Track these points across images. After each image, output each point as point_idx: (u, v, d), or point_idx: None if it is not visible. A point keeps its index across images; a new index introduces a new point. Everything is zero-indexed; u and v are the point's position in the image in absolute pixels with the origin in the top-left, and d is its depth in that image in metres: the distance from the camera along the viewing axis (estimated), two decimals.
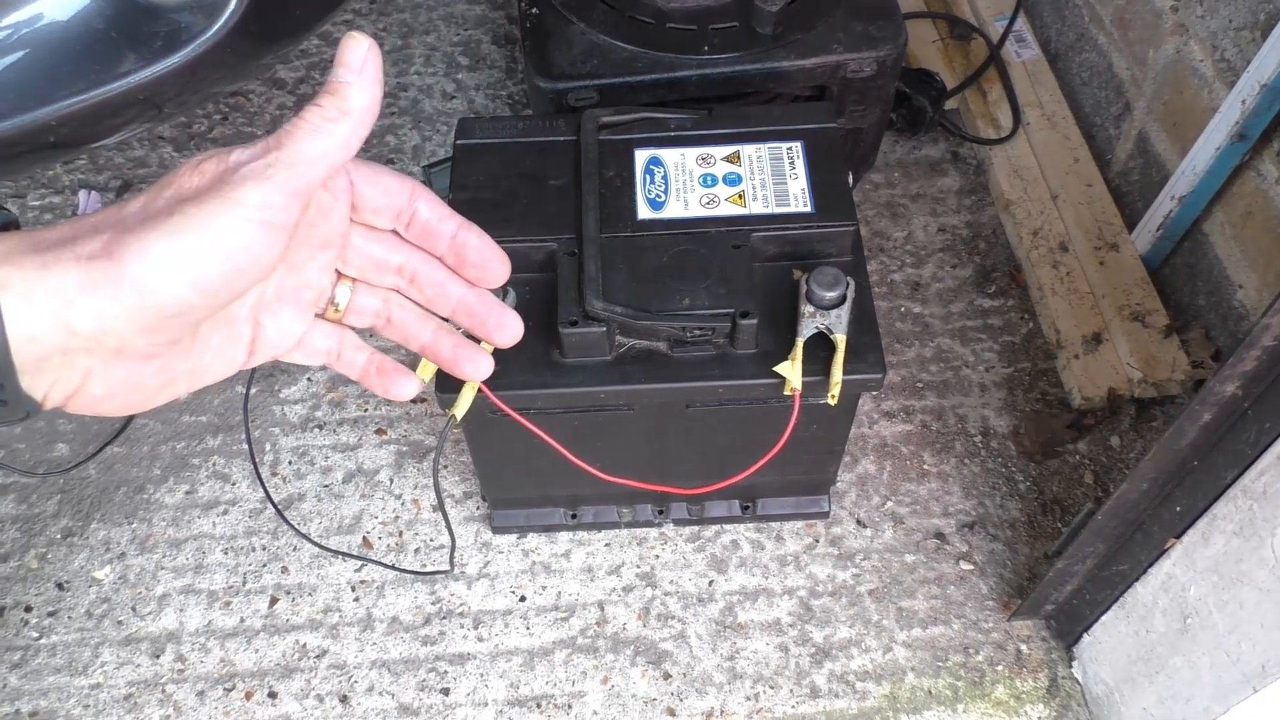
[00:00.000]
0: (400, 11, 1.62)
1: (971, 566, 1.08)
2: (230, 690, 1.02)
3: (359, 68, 0.42)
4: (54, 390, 0.38)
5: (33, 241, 0.36)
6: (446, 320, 0.50)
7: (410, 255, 0.48)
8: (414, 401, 1.21)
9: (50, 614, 1.07)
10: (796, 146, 0.94)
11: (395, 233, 0.48)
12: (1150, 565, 0.83)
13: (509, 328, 0.50)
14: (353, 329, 0.49)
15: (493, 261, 0.48)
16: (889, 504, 1.12)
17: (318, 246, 0.45)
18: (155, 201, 0.38)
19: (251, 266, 0.39)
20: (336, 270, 0.47)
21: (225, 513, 1.13)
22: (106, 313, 0.36)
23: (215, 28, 0.81)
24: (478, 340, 0.52)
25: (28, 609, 1.07)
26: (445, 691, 1.01)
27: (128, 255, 0.36)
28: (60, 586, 1.09)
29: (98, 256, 0.36)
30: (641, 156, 0.94)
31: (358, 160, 0.45)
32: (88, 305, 0.35)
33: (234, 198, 0.38)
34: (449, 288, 0.49)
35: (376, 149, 1.45)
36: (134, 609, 1.07)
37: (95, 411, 0.40)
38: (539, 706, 1.00)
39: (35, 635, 1.06)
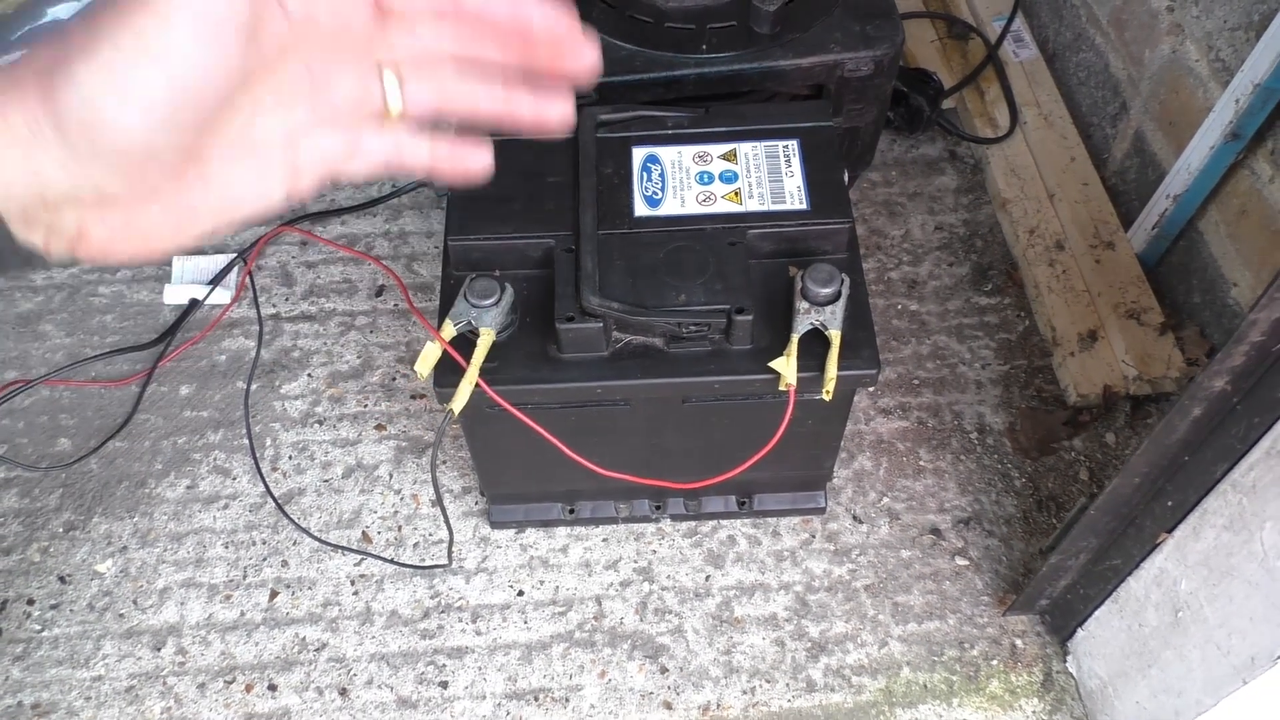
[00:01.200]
0: None
1: (967, 562, 1.09)
2: (231, 683, 1.03)
3: None
4: (52, 240, 0.35)
5: None
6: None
7: (456, 34, 0.40)
8: (413, 397, 1.22)
9: (52, 607, 1.08)
10: (793, 145, 0.95)
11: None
12: (1142, 560, 0.84)
13: (588, 56, 0.41)
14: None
15: (570, 41, 0.40)
16: (885, 500, 1.13)
17: (341, 55, 0.39)
18: (97, 16, 0.33)
19: (204, 84, 0.34)
20: (379, 67, 0.40)
21: (226, 507, 1.14)
22: (65, 161, 0.33)
23: None
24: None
25: (30, 602, 1.08)
26: (444, 685, 1.02)
27: (62, 93, 0.32)
28: (62, 580, 1.10)
29: (38, 98, 0.32)
30: (639, 154, 0.95)
31: None
32: (44, 155, 0.32)
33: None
34: (511, 56, 0.41)
35: None
36: (135, 602, 1.08)
37: (113, 259, 0.37)
38: (536, 700, 1.01)
39: (37, 628, 1.06)
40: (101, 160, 0.33)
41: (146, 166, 0.34)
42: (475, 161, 0.43)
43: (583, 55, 0.40)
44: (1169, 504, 0.78)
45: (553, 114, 0.42)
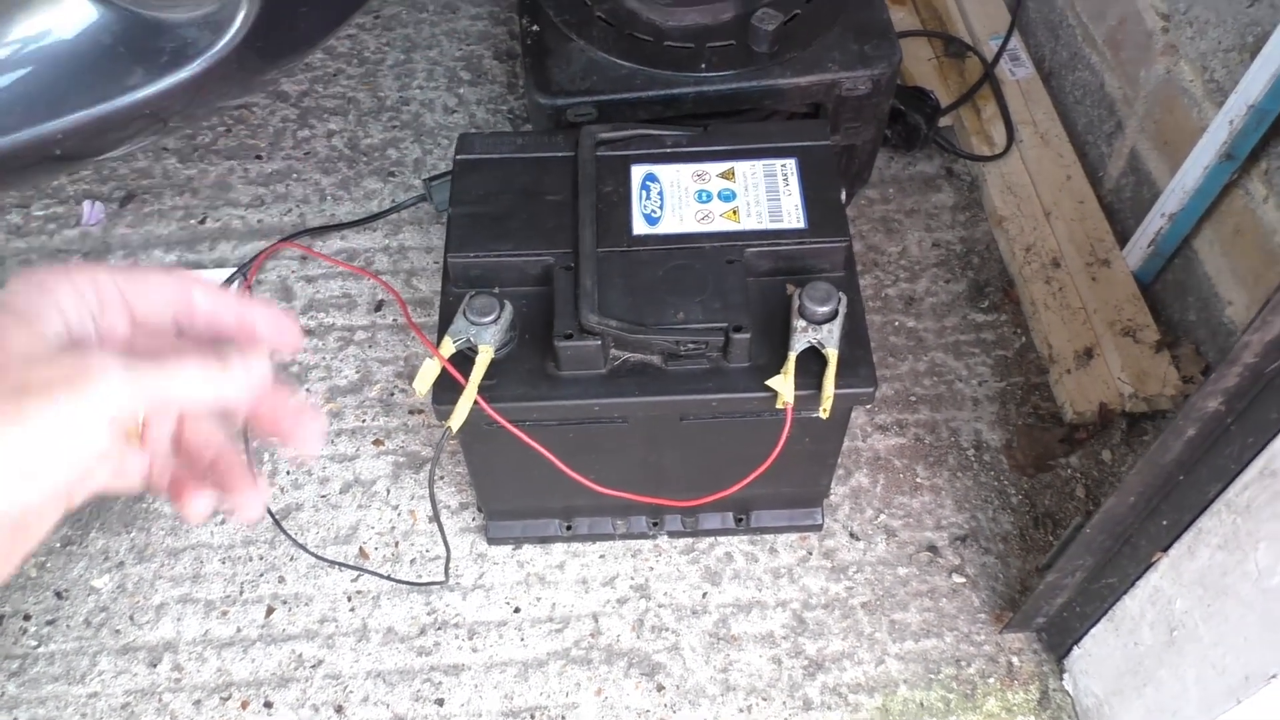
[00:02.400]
0: (404, 27, 1.63)
1: (964, 579, 1.09)
2: (227, 699, 1.03)
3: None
4: None
5: None
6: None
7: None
8: (411, 412, 1.22)
9: (49, 622, 1.08)
10: (790, 163, 0.95)
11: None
12: (1138, 578, 0.84)
13: (312, 436, 0.46)
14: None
15: (284, 331, 0.45)
16: (882, 517, 1.13)
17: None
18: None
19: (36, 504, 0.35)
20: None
21: (223, 522, 1.14)
22: None
23: (221, 43, 0.83)
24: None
25: (26, 617, 1.08)
26: (440, 702, 1.02)
27: None
28: (59, 595, 1.10)
29: None
30: (638, 172, 0.95)
31: (121, 271, 0.41)
32: None
33: (86, 392, 0.34)
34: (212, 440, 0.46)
35: (379, 162, 1.46)
36: (132, 618, 1.08)
37: None
38: (533, 718, 1.01)
39: (34, 644, 1.06)
40: None
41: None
42: (190, 511, 0.46)
43: (309, 432, 0.46)
44: (1164, 523, 0.79)
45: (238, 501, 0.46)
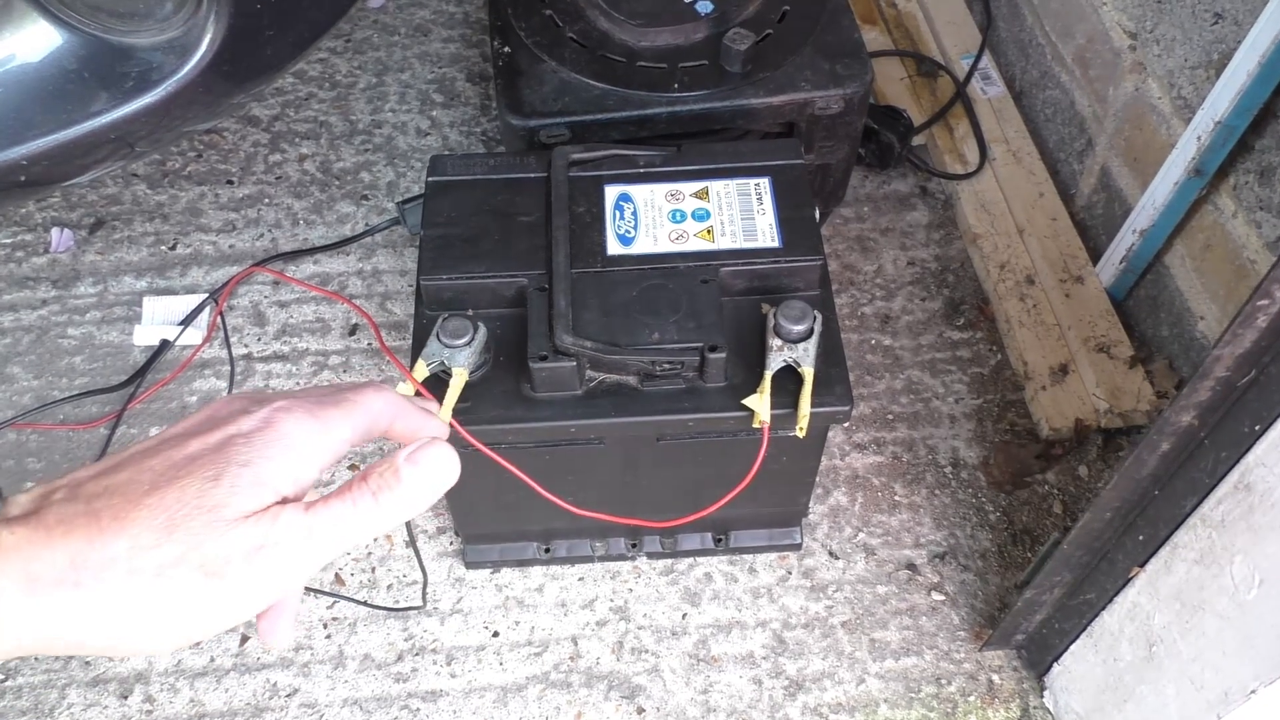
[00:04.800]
0: (375, 50, 1.63)
1: (943, 597, 1.09)
2: None
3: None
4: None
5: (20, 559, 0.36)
6: None
7: None
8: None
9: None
10: (764, 182, 0.95)
11: None
12: (1116, 594, 0.84)
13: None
14: None
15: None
16: (861, 535, 1.13)
17: None
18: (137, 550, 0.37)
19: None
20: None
21: None
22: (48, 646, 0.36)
23: (187, 68, 0.82)
24: None
25: None
26: None
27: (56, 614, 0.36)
28: None
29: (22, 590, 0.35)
30: (611, 193, 0.95)
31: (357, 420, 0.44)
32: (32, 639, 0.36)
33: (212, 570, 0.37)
34: None
35: (351, 185, 1.46)
36: None
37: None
38: None
39: (0, 678, 1.04)
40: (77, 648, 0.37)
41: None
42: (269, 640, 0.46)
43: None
44: (1140, 538, 0.79)
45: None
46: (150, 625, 0.37)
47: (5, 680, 1.04)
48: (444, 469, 0.44)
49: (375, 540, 1.13)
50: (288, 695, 1.03)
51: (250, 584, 0.38)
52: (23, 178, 0.82)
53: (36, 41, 0.77)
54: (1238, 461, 0.67)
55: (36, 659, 1.05)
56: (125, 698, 1.03)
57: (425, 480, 0.43)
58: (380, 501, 0.42)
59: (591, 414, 0.86)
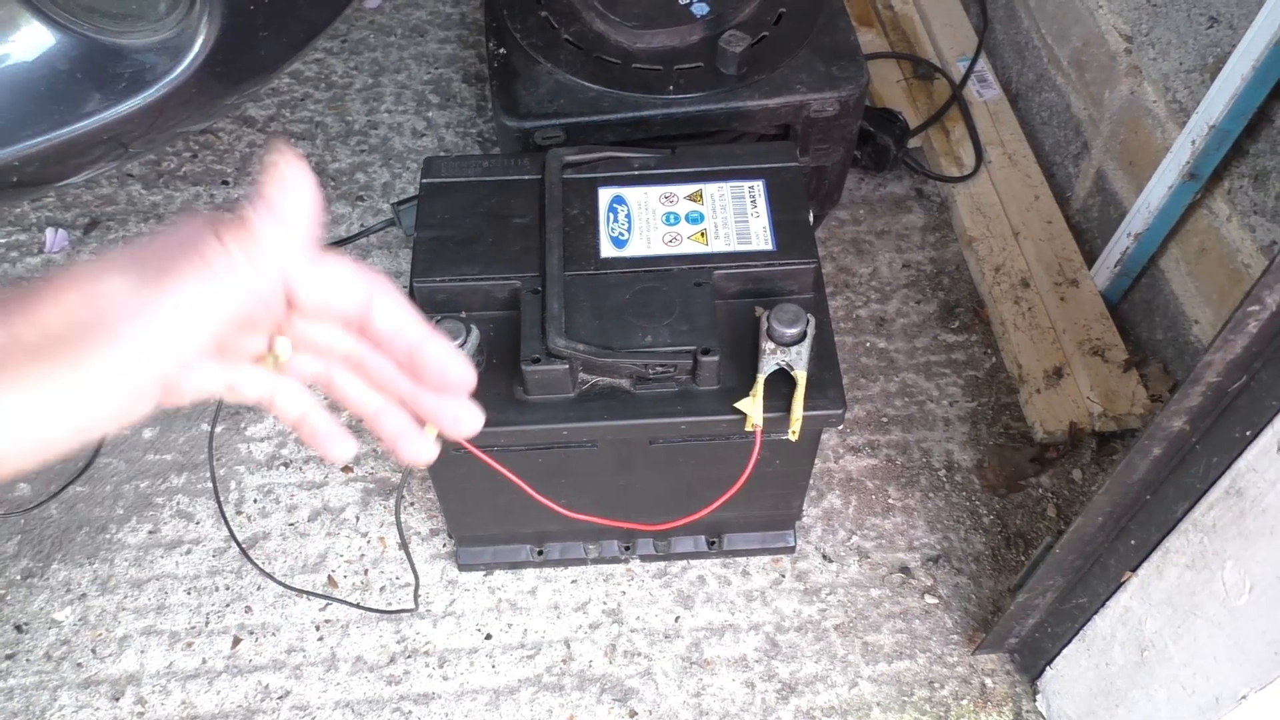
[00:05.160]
0: (371, 50, 1.63)
1: (936, 600, 1.09)
2: None
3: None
4: None
5: None
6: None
7: (356, 345, 0.43)
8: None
9: (8, 657, 1.05)
10: (758, 185, 0.95)
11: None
12: (1108, 598, 0.84)
13: (465, 421, 0.45)
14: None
15: (453, 376, 0.43)
16: (854, 538, 1.13)
17: (244, 338, 0.42)
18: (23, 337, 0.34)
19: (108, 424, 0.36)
20: (277, 331, 0.43)
21: (188, 552, 1.12)
22: None
23: (180, 68, 0.82)
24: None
25: None
26: None
27: None
28: (19, 629, 1.07)
29: None
30: (605, 195, 0.95)
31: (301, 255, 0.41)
32: None
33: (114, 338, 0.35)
34: (399, 384, 0.44)
35: (347, 186, 1.46)
36: (94, 651, 1.06)
37: None
38: None
39: None
40: None
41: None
42: (328, 453, 0.45)
43: (462, 417, 0.44)
44: (1132, 543, 0.79)
45: (408, 449, 0.45)
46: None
47: None
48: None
49: (368, 542, 1.13)
50: (279, 697, 1.03)
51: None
52: (16, 178, 0.82)
53: (29, 42, 0.77)
54: (1229, 467, 0.67)
55: (29, 659, 1.04)
56: (117, 699, 1.02)
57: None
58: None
59: (584, 417, 0.86)
